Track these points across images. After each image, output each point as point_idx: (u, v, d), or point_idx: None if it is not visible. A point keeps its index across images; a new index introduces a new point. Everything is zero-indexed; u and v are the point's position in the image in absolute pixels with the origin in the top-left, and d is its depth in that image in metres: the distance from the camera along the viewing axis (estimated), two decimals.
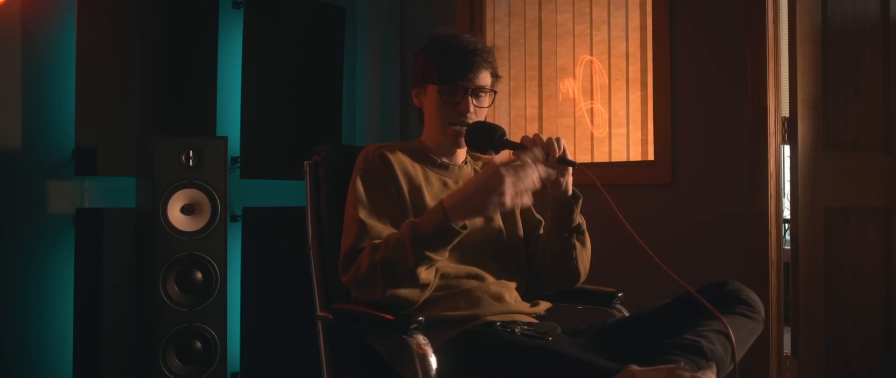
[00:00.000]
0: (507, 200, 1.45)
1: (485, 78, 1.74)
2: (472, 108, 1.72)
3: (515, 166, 1.47)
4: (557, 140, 1.63)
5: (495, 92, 1.79)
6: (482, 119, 1.76)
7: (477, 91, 1.73)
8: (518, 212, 1.87)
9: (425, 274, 1.52)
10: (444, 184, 1.77)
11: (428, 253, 1.48)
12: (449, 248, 1.51)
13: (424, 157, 1.79)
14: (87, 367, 2.71)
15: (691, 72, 2.71)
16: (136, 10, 2.87)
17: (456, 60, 1.71)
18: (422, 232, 1.48)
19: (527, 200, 1.49)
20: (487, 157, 1.95)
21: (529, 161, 1.49)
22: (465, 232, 1.49)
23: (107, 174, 2.78)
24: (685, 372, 1.25)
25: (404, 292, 1.53)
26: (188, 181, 2.58)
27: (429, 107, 1.77)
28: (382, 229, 1.60)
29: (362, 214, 1.61)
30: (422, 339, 1.45)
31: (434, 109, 1.75)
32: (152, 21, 2.92)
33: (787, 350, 2.59)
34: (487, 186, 1.45)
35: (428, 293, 1.58)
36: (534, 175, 1.48)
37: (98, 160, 2.75)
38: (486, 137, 1.69)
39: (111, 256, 2.78)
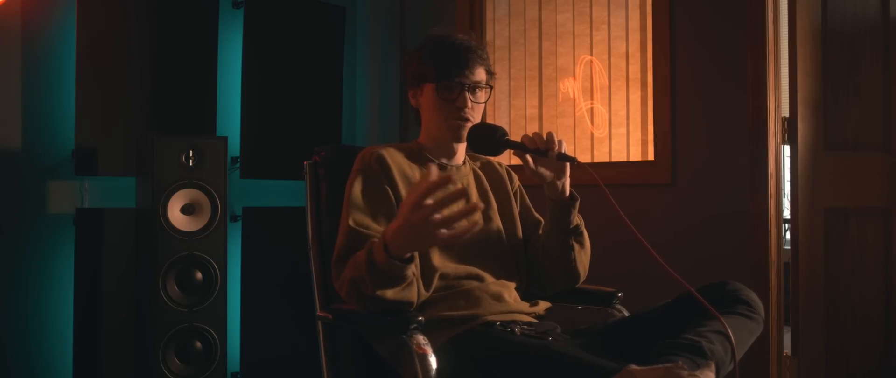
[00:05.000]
0: (436, 240, 1.33)
1: (480, 74, 1.75)
2: (469, 104, 1.72)
3: (439, 198, 1.31)
4: (559, 141, 1.64)
5: (491, 87, 1.79)
6: (479, 115, 1.77)
7: (473, 87, 1.73)
8: (517, 212, 1.88)
9: (393, 293, 1.47)
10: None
11: (387, 280, 1.45)
12: (407, 272, 1.46)
13: (422, 157, 1.79)
14: (88, 367, 2.71)
15: (691, 72, 2.71)
16: (135, 10, 2.87)
17: (451, 58, 1.72)
18: (375, 261, 1.44)
19: (454, 236, 1.34)
20: (486, 157, 1.95)
21: (457, 191, 1.30)
22: (411, 263, 1.45)
23: (107, 174, 2.79)
24: (683, 370, 1.25)
25: (385, 310, 1.51)
26: (188, 181, 2.58)
27: (426, 106, 1.77)
28: (373, 233, 1.60)
29: (352, 220, 1.61)
30: (422, 339, 1.45)
31: (432, 108, 1.75)
32: (152, 21, 2.92)
33: (787, 350, 2.59)
34: (411, 223, 1.34)
35: (424, 294, 1.58)
36: (459, 208, 1.32)
37: (98, 160, 2.75)
38: (488, 138, 1.69)
39: (111, 256, 2.78)
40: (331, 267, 1.62)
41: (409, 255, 1.44)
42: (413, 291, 1.52)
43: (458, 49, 1.73)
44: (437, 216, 1.32)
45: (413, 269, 1.48)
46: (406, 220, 1.35)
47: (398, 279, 1.46)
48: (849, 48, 2.67)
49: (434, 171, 1.33)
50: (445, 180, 1.31)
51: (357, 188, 1.66)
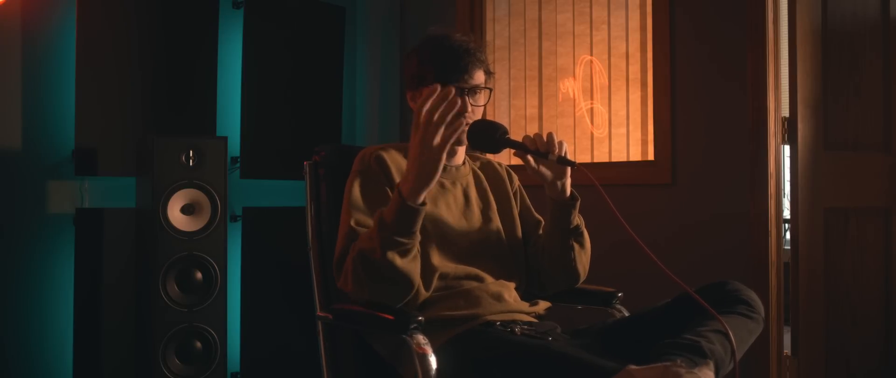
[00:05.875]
0: (438, 140, 1.45)
1: (479, 76, 1.75)
2: (470, 108, 1.72)
3: (433, 106, 1.45)
4: (560, 143, 1.64)
5: (491, 89, 1.79)
6: (479, 117, 1.77)
7: (473, 90, 1.73)
8: (516, 212, 1.87)
9: (401, 261, 1.49)
10: (442, 185, 1.77)
11: (395, 237, 1.47)
12: (415, 228, 1.49)
13: None
14: (88, 367, 2.72)
15: (691, 72, 2.71)
16: (135, 10, 2.88)
17: (450, 61, 1.71)
18: (385, 219, 1.48)
19: (455, 134, 1.45)
20: (486, 157, 1.95)
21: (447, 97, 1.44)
22: (424, 208, 1.49)
23: (107, 174, 2.79)
24: (681, 368, 1.25)
25: (389, 288, 1.52)
26: (188, 181, 2.58)
27: None
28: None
29: (353, 220, 1.61)
30: (422, 338, 1.45)
31: None
32: (152, 21, 2.92)
33: (787, 350, 2.59)
34: (418, 147, 1.46)
35: (424, 294, 1.58)
36: (454, 104, 1.43)
37: (98, 160, 2.75)
38: (488, 136, 1.69)
39: (111, 256, 2.78)
40: (332, 268, 1.62)
41: (421, 200, 1.47)
42: (417, 267, 1.53)
43: (457, 52, 1.72)
44: (433, 117, 1.43)
45: (418, 239, 1.51)
46: (413, 150, 1.47)
47: (408, 233, 1.48)
48: (849, 48, 2.67)
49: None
50: (444, 95, 1.44)
51: (357, 189, 1.66)
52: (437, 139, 1.44)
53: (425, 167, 1.46)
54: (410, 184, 1.47)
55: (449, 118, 1.44)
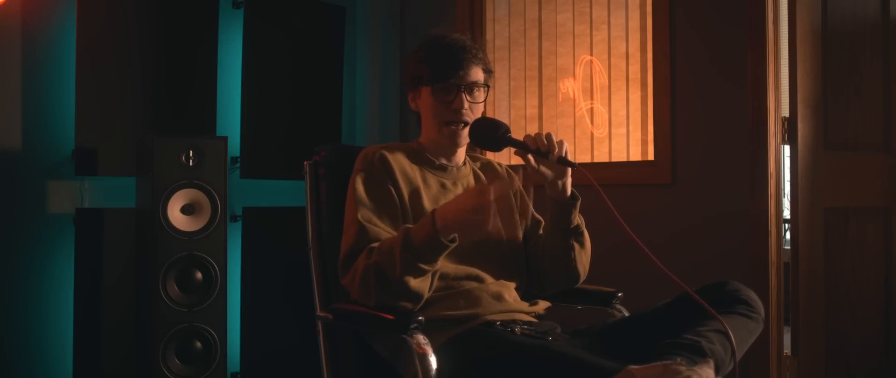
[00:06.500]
0: (490, 227, 1.42)
1: (477, 73, 1.74)
2: (466, 105, 1.72)
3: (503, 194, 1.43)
4: (560, 142, 1.64)
5: (489, 87, 1.79)
6: (478, 115, 1.77)
7: (470, 87, 1.73)
8: (516, 212, 1.87)
9: (415, 283, 1.51)
10: (443, 185, 1.77)
11: (418, 263, 1.48)
12: (439, 259, 1.51)
13: (423, 158, 1.79)
14: (88, 367, 2.72)
15: (691, 72, 2.71)
16: (135, 9, 2.88)
17: (446, 59, 1.71)
18: (412, 242, 1.48)
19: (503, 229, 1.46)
20: (486, 157, 1.95)
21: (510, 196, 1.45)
22: (454, 245, 1.48)
23: (107, 174, 2.79)
24: (681, 367, 1.25)
25: (396, 301, 1.53)
26: (188, 181, 2.58)
27: (424, 108, 1.77)
28: (381, 231, 1.60)
29: (361, 216, 1.61)
30: (422, 338, 1.45)
31: (430, 110, 1.75)
32: (152, 21, 2.92)
33: (787, 350, 2.59)
34: (475, 202, 1.42)
35: (426, 296, 1.58)
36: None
37: (98, 160, 2.75)
38: (490, 134, 1.69)
39: (111, 256, 2.78)
40: (333, 267, 1.62)
41: (452, 236, 1.47)
42: (427, 285, 1.54)
43: (453, 50, 1.72)
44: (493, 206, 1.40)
45: (440, 262, 1.51)
46: (467, 203, 1.43)
47: (432, 261, 1.49)
48: (849, 48, 2.67)
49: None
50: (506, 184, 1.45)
51: (361, 186, 1.67)
52: (495, 222, 1.42)
53: (470, 224, 1.44)
54: (450, 223, 1.45)
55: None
